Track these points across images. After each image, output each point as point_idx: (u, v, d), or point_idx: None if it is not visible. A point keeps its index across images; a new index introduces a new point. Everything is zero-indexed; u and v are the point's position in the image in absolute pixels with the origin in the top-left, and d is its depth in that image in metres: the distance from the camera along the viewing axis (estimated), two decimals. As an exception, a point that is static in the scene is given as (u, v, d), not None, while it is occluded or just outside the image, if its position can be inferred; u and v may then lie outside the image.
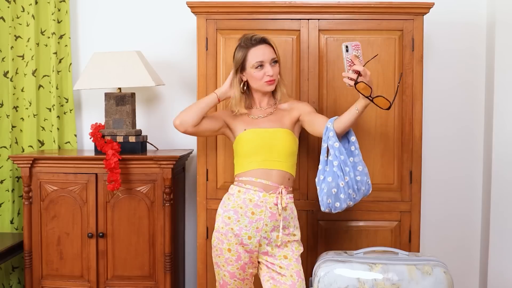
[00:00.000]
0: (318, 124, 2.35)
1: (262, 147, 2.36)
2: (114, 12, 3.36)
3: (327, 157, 2.29)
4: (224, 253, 2.36)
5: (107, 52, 3.11)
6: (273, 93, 2.47)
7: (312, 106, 2.54)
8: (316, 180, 2.32)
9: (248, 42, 2.36)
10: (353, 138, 2.32)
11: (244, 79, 2.42)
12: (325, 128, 2.27)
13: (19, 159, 2.98)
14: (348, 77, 2.13)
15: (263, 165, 2.35)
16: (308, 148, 2.75)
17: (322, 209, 2.31)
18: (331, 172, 2.27)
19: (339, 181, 2.25)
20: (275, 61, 2.38)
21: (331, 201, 2.27)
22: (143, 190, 2.96)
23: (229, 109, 2.48)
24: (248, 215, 2.33)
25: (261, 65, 2.35)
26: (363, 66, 2.12)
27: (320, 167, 2.31)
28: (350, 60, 2.12)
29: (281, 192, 2.33)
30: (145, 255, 2.98)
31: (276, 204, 2.32)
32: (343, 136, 2.31)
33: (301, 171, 2.74)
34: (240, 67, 2.40)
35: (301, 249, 2.40)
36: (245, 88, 2.44)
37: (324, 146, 2.29)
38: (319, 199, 2.31)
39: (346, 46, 2.12)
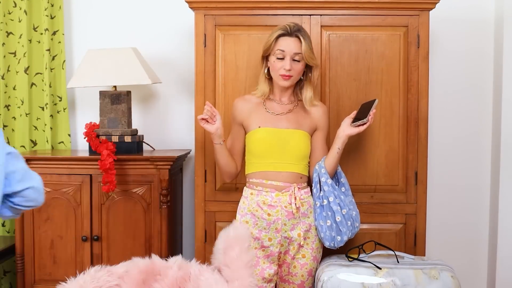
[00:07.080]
0: (314, 156, 2.42)
1: (274, 148, 2.33)
2: (109, 7, 3.34)
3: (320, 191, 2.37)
4: None
5: (101, 49, 3.09)
6: (297, 90, 2.43)
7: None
8: (315, 216, 2.37)
9: (283, 30, 2.31)
10: (343, 180, 2.45)
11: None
12: (317, 164, 2.39)
13: (11, 159, 2.92)
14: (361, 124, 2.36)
15: (273, 167, 2.33)
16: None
17: (326, 244, 2.36)
18: (327, 207, 2.34)
19: (336, 216, 2.33)
20: (298, 59, 2.30)
21: (334, 235, 2.34)
22: (139, 191, 2.92)
23: (243, 105, 2.42)
24: (264, 217, 2.32)
25: (282, 56, 2.30)
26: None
27: (317, 203, 2.37)
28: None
29: (294, 190, 2.31)
30: (141, 259, 2.93)
31: (291, 203, 2.31)
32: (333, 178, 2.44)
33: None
34: (268, 52, 2.35)
35: (321, 244, 2.42)
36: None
37: (316, 179, 2.38)
38: (321, 235, 2.36)
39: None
